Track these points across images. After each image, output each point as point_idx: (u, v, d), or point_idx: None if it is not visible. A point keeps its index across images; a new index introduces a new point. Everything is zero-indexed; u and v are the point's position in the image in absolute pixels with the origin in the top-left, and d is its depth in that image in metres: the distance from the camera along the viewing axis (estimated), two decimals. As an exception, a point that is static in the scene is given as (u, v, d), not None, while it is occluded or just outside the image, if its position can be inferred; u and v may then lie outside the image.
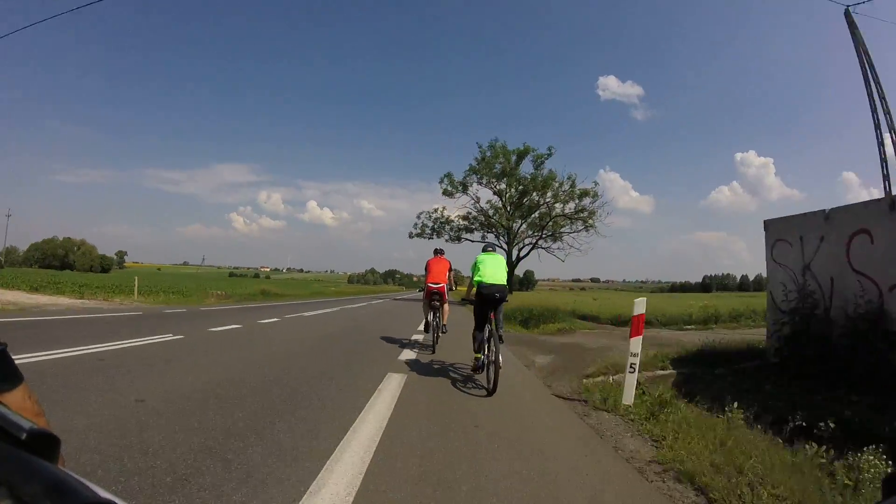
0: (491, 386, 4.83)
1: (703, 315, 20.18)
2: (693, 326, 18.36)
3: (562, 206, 37.49)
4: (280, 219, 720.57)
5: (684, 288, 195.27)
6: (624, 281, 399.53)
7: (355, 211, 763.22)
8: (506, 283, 5.48)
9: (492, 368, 4.86)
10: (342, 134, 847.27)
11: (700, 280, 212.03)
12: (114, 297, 18.60)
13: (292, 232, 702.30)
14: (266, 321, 11.70)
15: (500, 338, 5.16)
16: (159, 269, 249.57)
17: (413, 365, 6.47)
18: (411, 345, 8.45)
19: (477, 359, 5.28)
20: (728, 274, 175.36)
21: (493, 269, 5.37)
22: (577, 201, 36.50)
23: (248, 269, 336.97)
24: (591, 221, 36.16)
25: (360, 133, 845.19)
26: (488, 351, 5.06)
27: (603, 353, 8.30)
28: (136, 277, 19.91)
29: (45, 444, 0.41)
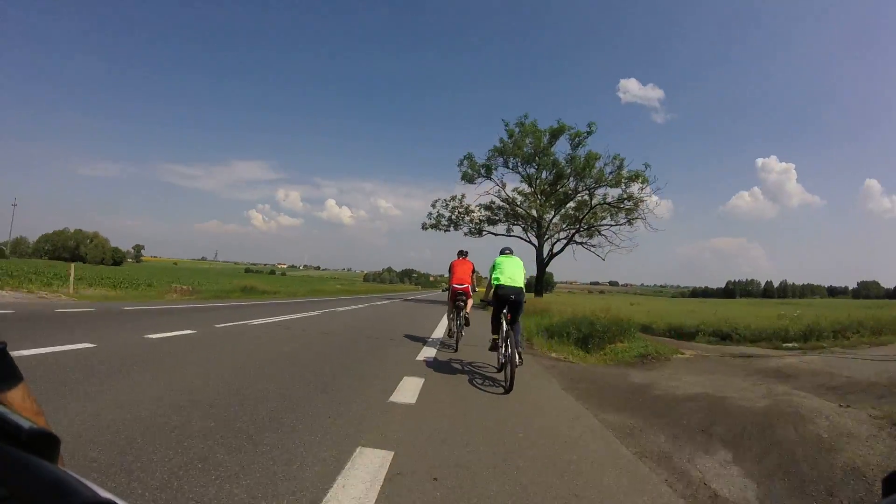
0: (508, 384, 4.92)
1: (802, 329, 15.27)
2: (795, 345, 13.55)
3: (604, 192, 30.55)
4: (298, 216, 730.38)
5: (706, 293, 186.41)
6: (642, 285, 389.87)
7: (372, 209, 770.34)
8: (522, 286, 5.57)
9: (508, 367, 4.98)
10: (359, 133, 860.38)
11: (723, 286, 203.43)
12: (38, 289, 14.37)
13: (310, 230, 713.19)
14: (167, 335, 7.13)
15: (518, 343, 5.27)
16: (176, 264, 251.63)
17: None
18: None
19: (494, 340, 5.64)
20: (752, 280, 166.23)
21: (510, 271, 5.56)
22: (623, 187, 29.42)
23: (266, 265, 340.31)
24: (636, 214, 29.51)
25: (377, 133, 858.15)
26: (506, 350, 5.12)
27: (827, 447, 3.58)
28: (73, 266, 15.63)
29: (45, 444, 0.40)
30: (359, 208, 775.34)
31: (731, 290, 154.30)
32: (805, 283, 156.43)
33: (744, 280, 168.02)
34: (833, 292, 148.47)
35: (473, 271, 7.83)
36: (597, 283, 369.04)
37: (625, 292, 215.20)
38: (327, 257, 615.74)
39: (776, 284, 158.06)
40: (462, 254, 8.13)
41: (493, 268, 5.75)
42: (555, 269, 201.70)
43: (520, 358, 5.20)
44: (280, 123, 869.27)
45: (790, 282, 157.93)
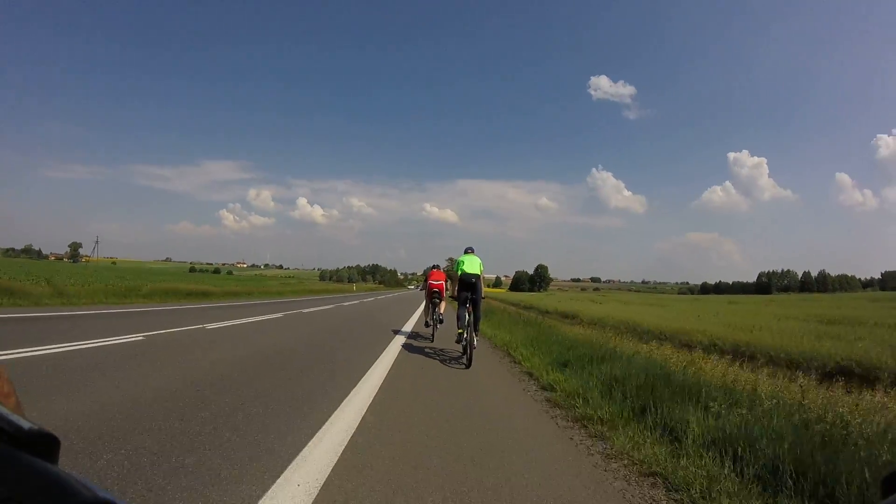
0: (467, 361, 7.41)
1: None
2: None
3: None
4: (270, 216, 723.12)
5: (719, 289, 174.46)
6: (619, 281, 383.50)
7: (345, 209, 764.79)
8: (478, 273, 8.23)
9: (469, 349, 7.45)
10: (331, 133, 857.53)
11: (701, 280, 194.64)
12: None
13: (282, 229, 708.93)
14: None
15: (477, 329, 8.07)
16: (114, 263, 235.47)
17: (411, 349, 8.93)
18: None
19: (459, 334, 7.87)
20: (788, 271, 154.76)
21: (469, 263, 8.25)
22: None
23: (224, 264, 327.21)
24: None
25: (350, 132, 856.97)
26: (468, 334, 7.50)
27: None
28: None
29: (45, 444, 0.41)
30: (331, 207, 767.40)
31: (766, 285, 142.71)
32: (839, 274, 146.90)
33: (779, 271, 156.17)
34: (863, 284, 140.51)
35: (446, 279, 11.05)
36: (578, 280, 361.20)
37: (618, 289, 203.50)
38: (301, 257, 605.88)
39: (816, 275, 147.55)
40: (435, 266, 11.85)
41: (457, 263, 8.56)
42: (542, 264, 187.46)
43: (476, 341, 7.83)
44: (251, 123, 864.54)
45: (830, 273, 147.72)
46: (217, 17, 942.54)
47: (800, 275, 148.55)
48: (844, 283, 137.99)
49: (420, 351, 8.82)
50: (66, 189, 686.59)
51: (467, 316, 7.67)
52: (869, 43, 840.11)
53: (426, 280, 11.28)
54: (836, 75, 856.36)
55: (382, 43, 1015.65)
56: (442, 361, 7.79)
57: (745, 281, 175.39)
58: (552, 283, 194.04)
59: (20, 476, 0.35)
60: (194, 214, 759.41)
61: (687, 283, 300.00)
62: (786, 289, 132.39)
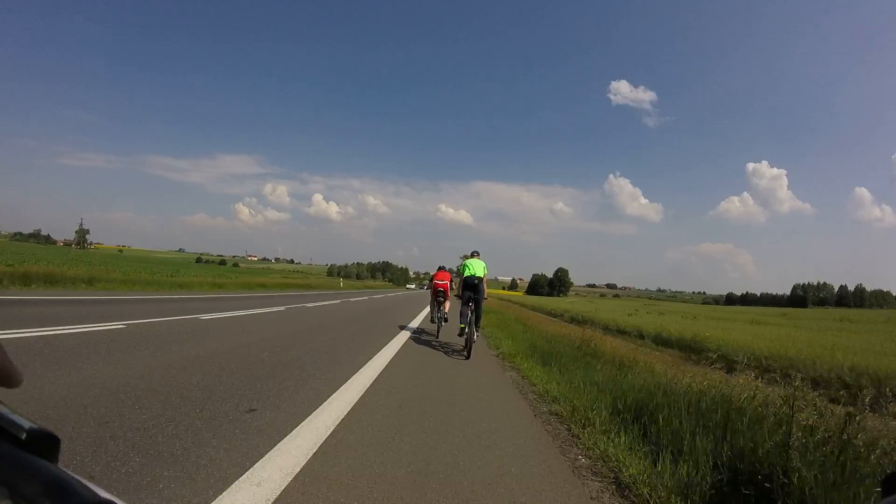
0: (467, 353, 8.20)
1: None
2: None
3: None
4: (286, 211, 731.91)
5: (746, 300, 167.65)
6: (635, 288, 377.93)
7: (360, 207, 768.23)
8: (482, 276, 9.08)
9: (469, 343, 8.28)
10: (347, 130, 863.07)
11: (725, 292, 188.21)
12: None
13: (297, 225, 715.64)
14: None
15: (478, 326, 9.10)
16: (121, 251, 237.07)
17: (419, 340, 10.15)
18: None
19: (462, 328, 8.72)
20: (824, 283, 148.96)
21: (474, 267, 9.08)
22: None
23: (233, 256, 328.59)
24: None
25: (365, 130, 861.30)
26: (469, 330, 8.33)
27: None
28: None
29: (45, 444, 0.41)
30: (346, 205, 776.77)
31: (801, 298, 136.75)
32: (875, 289, 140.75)
33: (815, 283, 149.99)
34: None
35: (451, 279, 11.47)
36: (593, 286, 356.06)
37: (637, 297, 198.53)
38: (312, 252, 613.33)
39: (854, 288, 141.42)
40: (441, 268, 12.03)
41: (464, 266, 9.30)
42: (554, 269, 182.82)
43: (476, 336, 8.78)
44: (268, 118, 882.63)
45: (866, 287, 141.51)
46: (237, 15, 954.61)
47: (836, 288, 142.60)
48: (881, 299, 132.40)
49: (426, 343, 9.87)
50: (81, 176, 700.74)
51: (469, 314, 8.52)
52: (893, 57, 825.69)
53: (431, 280, 12.21)
54: (858, 89, 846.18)
55: (401, 42, 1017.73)
56: (445, 353, 8.66)
57: (771, 293, 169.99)
58: (571, 291, 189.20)
59: (21, 476, 0.35)
60: (209, 206, 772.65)
61: (703, 292, 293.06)
62: (822, 302, 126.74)
